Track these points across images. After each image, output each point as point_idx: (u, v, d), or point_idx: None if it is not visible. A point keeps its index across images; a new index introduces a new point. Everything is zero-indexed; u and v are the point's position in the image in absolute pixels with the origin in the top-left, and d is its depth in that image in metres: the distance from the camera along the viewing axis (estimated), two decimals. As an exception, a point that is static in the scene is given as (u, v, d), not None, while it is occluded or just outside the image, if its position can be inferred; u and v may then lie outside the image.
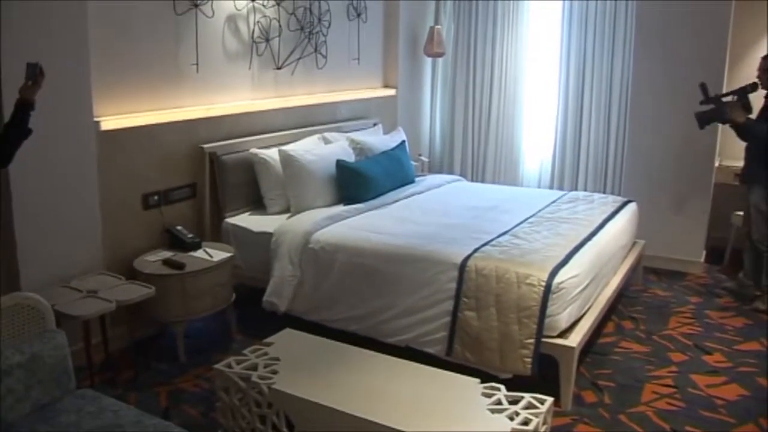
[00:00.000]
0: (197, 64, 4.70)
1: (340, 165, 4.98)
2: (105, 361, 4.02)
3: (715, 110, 4.82)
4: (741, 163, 5.13)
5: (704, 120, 4.91)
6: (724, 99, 4.83)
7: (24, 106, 3.07)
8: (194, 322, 4.46)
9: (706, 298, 5.22)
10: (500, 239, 4.18)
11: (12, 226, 3.66)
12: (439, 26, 6.89)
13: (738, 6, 5.51)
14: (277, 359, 3.18)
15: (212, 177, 4.78)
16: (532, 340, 3.59)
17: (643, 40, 5.72)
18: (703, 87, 4.83)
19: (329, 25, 5.83)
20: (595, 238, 4.31)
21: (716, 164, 5.77)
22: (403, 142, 5.85)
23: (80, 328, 3.68)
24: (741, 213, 5.33)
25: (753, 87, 4.79)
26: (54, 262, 3.87)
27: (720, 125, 5.27)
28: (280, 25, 5.32)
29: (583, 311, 3.91)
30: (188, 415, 3.61)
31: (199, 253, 4.35)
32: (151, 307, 4.06)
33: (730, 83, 5.49)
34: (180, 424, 2.65)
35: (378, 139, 5.83)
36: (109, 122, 4.11)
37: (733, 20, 5.43)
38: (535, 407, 2.80)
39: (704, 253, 5.84)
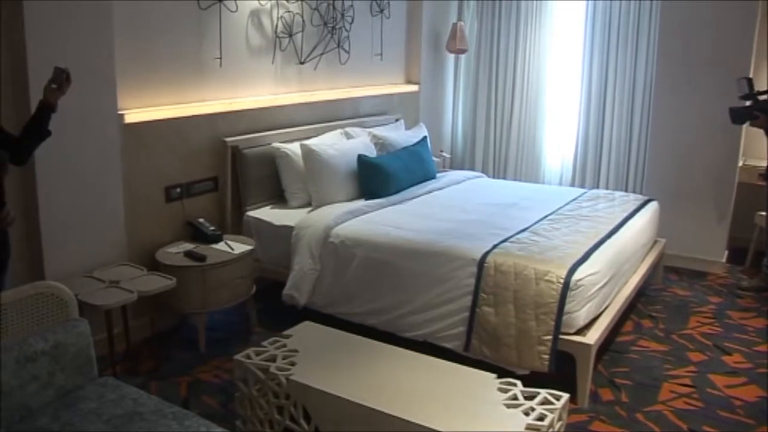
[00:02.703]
0: (220, 59, 4.74)
1: (362, 160, 5.01)
2: (127, 350, 4.06)
3: (753, 107, 4.80)
4: (765, 163, 5.10)
5: (741, 116, 4.89)
6: (761, 97, 4.81)
7: (45, 108, 3.11)
8: (215, 314, 4.50)
9: (727, 298, 5.19)
10: (519, 236, 4.19)
11: (37, 216, 3.72)
12: (461, 23, 6.90)
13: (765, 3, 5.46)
14: (296, 351, 3.21)
15: (234, 170, 4.82)
16: (549, 337, 3.60)
17: (667, 38, 5.68)
18: (749, 81, 4.81)
19: (352, 20, 5.85)
20: (614, 236, 4.30)
21: (740, 164, 5.72)
22: (425, 138, 5.85)
23: (102, 318, 3.73)
24: (764, 213, 5.29)
25: None
26: (77, 253, 3.93)
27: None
28: (303, 21, 5.35)
29: (602, 309, 3.91)
30: (207, 405, 3.66)
31: (220, 246, 4.39)
32: (172, 298, 4.11)
33: (756, 83, 5.43)
34: (199, 414, 2.68)
35: (400, 135, 5.84)
36: (132, 115, 4.15)
37: (759, 18, 5.38)
38: (551, 403, 2.80)
39: (726, 253, 5.80)
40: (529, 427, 2.63)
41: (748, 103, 4.91)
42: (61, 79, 3.10)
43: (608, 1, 6.38)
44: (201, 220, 4.54)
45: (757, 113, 4.84)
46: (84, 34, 3.79)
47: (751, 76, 5.18)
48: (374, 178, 4.99)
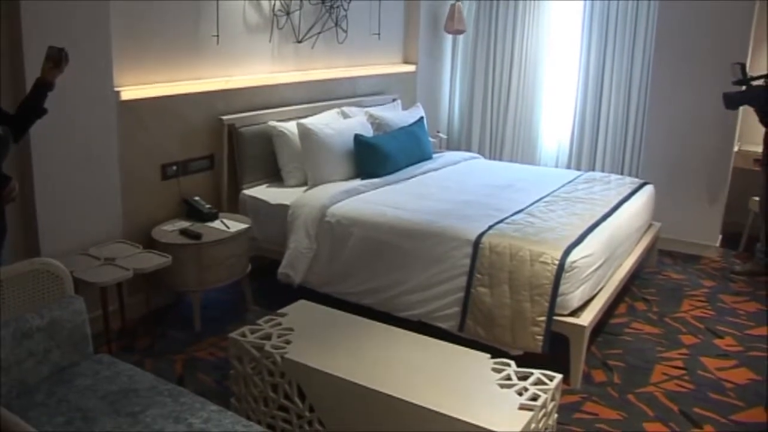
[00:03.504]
0: (218, 36, 4.71)
1: (358, 139, 5.00)
2: (122, 328, 4.08)
3: (747, 93, 4.80)
4: (760, 148, 5.11)
5: (735, 101, 4.89)
6: (754, 83, 4.81)
7: (42, 86, 3.08)
8: (210, 292, 4.51)
9: (720, 282, 5.21)
10: (515, 217, 4.19)
11: (33, 193, 3.72)
12: (460, 3, 6.85)
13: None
14: (291, 329, 3.22)
15: (230, 148, 4.81)
16: (543, 318, 3.62)
17: (665, 22, 5.66)
18: (742, 67, 4.80)
19: (350, -1, 5.82)
20: (610, 219, 4.31)
21: (735, 149, 5.73)
22: (422, 118, 5.85)
23: (98, 295, 3.73)
24: (758, 198, 5.31)
25: None
26: (73, 230, 3.93)
27: (741, 108, 5.24)
28: (301, -1, 5.33)
29: (596, 291, 3.93)
30: (202, 383, 3.67)
31: (216, 224, 4.39)
32: (167, 276, 4.12)
33: (752, 69, 5.43)
34: (194, 391, 2.69)
35: (396, 115, 5.83)
36: (129, 92, 4.14)
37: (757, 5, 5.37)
38: (544, 384, 2.82)
39: (720, 237, 5.82)
40: (522, 407, 2.65)
41: (742, 88, 4.91)
42: (59, 58, 3.07)
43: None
44: (197, 198, 4.53)
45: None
46: (80, 10, 3.76)
47: (745, 61, 5.17)
48: (371, 158, 4.99)
